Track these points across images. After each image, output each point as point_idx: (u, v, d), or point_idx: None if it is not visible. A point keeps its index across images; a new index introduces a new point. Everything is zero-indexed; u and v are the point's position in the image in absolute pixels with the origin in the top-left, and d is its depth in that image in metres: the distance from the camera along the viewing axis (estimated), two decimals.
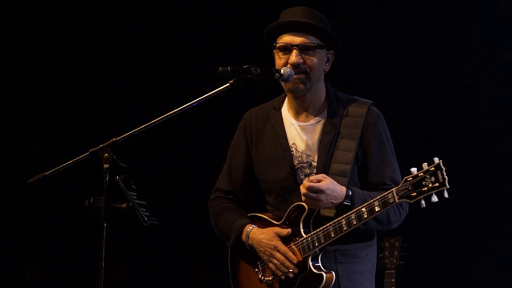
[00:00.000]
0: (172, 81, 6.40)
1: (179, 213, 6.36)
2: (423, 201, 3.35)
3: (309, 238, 3.61)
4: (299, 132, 3.73)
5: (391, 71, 5.78)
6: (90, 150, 3.62)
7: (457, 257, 5.68)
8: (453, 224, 5.71)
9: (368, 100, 3.74)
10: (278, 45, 3.68)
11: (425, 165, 3.35)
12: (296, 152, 3.72)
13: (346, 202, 3.53)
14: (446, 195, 3.34)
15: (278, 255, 3.65)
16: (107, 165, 3.56)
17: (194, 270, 6.60)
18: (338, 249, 3.62)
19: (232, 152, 3.96)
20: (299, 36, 3.65)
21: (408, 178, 3.37)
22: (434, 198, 3.34)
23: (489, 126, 5.65)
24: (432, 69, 5.78)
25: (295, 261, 3.62)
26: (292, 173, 3.70)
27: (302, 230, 3.64)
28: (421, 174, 3.34)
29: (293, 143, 3.74)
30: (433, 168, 3.34)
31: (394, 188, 3.41)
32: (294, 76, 3.63)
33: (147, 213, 3.59)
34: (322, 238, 3.56)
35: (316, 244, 3.57)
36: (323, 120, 3.70)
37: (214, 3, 6.34)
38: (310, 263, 3.59)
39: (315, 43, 3.64)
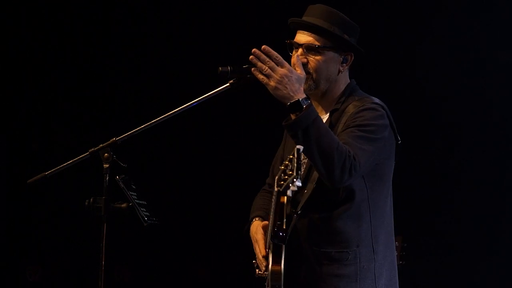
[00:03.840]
0: (172, 81, 6.40)
1: (179, 213, 6.36)
2: (288, 191, 3.08)
3: (268, 231, 3.52)
4: None
5: (392, 71, 5.78)
6: (90, 150, 3.62)
7: (457, 257, 5.68)
8: (454, 224, 5.71)
9: (372, 99, 3.59)
10: (287, 42, 3.64)
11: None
12: None
13: (301, 100, 3.25)
14: (299, 183, 3.02)
15: (257, 249, 3.63)
16: (107, 165, 3.56)
17: (194, 270, 6.60)
18: (317, 251, 3.51)
19: (278, 149, 3.93)
20: (307, 36, 3.60)
21: (281, 166, 3.15)
22: (289, 193, 3.07)
23: (490, 127, 5.65)
24: (432, 69, 5.78)
25: (262, 254, 3.56)
26: None
27: None
28: (287, 162, 3.12)
29: None
30: (291, 156, 3.07)
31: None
32: None
33: (147, 213, 3.59)
34: (270, 227, 3.40)
35: (269, 232, 3.44)
36: (326, 117, 3.62)
37: (214, 3, 6.34)
38: (271, 255, 3.40)
39: (318, 45, 3.57)
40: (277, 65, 3.31)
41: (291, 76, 3.31)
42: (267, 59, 3.33)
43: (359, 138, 3.42)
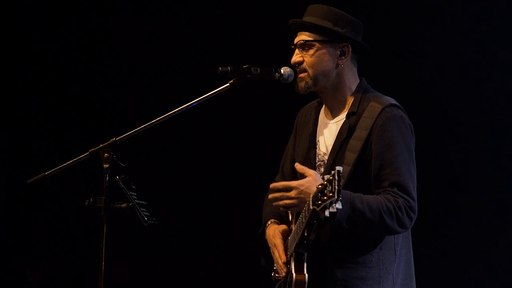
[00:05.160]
0: (172, 81, 6.40)
1: (179, 213, 6.36)
2: (326, 211, 3.03)
3: (290, 237, 3.56)
4: (323, 130, 3.67)
5: (392, 72, 5.78)
6: (90, 150, 3.62)
7: (458, 257, 5.68)
8: (454, 223, 5.71)
9: (388, 100, 3.59)
10: (291, 48, 3.67)
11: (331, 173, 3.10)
12: (318, 150, 3.66)
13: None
14: (339, 205, 3.01)
15: (276, 253, 3.63)
16: (107, 165, 3.56)
17: (194, 270, 6.60)
18: (341, 253, 3.51)
19: (287, 146, 3.93)
20: (301, 35, 3.62)
21: (319, 185, 3.13)
22: (326, 213, 3.03)
23: (491, 128, 5.65)
24: (435, 69, 5.78)
25: (283, 260, 3.58)
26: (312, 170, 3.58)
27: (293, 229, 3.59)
28: (325, 182, 3.08)
29: (318, 140, 3.68)
30: (331, 177, 3.04)
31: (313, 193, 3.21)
32: (299, 75, 3.61)
33: (147, 213, 3.59)
34: (296, 236, 3.44)
35: (294, 243, 3.46)
36: (342, 120, 3.61)
37: (214, 3, 6.35)
38: (293, 263, 3.46)
39: (306, 40, 3.59)
40: (287, 192, 3.38)
41: (303, 189, 3.35)
42: (279, 196, 3.41)
43: (402, 169, 3.48)
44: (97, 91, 6.58)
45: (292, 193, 3.38)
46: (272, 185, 3.44)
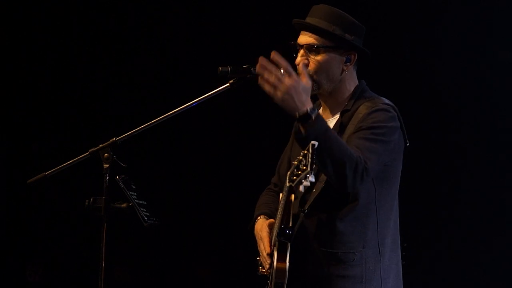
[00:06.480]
0: (172, 81, 6.40)
1: (179, 213, 6.36)
2: (301, 186, 3.02)
3: (274, 228, 3.54)
4: None
5: (392, 72, 5.78)
6: (90, 150, 3.62)
7: (458, 257, 5.68)
8: (454, 223, 5.71)
9: (382, 100, 3.59)
10: (292, 44, 3.63)
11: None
12: None
13: (309, 111, 3.12)
14: (312, 179, 2.97)
15: (261, 246, 3.63)
16: (107, 165, 3.57)
17: (194, 270, 6.61)
18: (323, 251, 3.50)
19: (286, 148, 3.92)
20: (308, 37, 3.60)
21: (294, 161, 3.09)
22: (301, 188, 3.02)
23: (491, 128, 5.65)
24: (433, 69, 5.78)
25: (267, 252, 3.57)
26: None
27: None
28: (300, 157, 3.04)
29: None
30: (306, 152, 3.02)
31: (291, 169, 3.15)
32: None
33: (147, 213, 3.60)
34: (277, 224, 3.41)
35: (276, 232, 3.44)
36: (336, 118, 3.62)
37: (214, 3, 6.35)
38: (275, 253, 3.41)
39: (317, 45, 3.57)
40: (285, 75, 3.17)
41: (298, 87, 3.18)
42: (274, 69, 3.18)
43: (370, 141, 3.41)
44: (97, 91, 6.58)
45: (285, 81, 3.17)
46: (276, 56, 3.19)
